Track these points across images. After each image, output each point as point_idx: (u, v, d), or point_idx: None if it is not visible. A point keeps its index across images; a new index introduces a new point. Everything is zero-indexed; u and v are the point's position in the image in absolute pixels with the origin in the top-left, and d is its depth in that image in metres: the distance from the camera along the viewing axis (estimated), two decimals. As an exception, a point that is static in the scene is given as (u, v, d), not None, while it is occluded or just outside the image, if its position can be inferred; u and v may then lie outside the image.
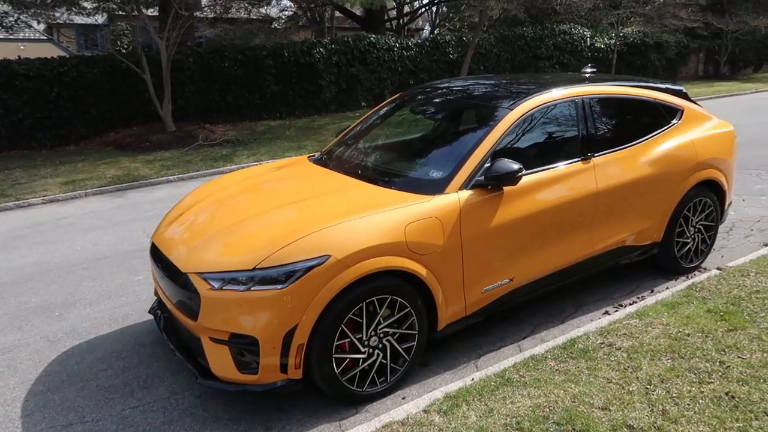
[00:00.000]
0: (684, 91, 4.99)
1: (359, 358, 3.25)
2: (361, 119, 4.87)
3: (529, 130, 3.98)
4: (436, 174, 3.68)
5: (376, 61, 16.53)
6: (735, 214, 6.37)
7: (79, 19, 16.74)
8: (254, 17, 24.38)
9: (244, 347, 3.04)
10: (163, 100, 12.56)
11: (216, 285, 3.06)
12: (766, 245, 5.38)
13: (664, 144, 4.49)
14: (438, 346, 3.88)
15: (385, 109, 4.79)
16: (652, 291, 4.60)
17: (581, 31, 21.26)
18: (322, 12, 24.24)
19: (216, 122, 14.19)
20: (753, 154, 9.32)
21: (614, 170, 4.18)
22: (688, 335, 3.46)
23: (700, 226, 4.86)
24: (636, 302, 4.36)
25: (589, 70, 5.14)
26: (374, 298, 3.20)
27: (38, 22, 13.76)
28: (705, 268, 4.96)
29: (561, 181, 3.92)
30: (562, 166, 3.96)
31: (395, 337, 3.37)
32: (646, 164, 4.34)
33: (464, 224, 3.47)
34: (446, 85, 4.74)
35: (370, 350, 3.29)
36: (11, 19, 13.25)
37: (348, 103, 16.40)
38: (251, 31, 23.51)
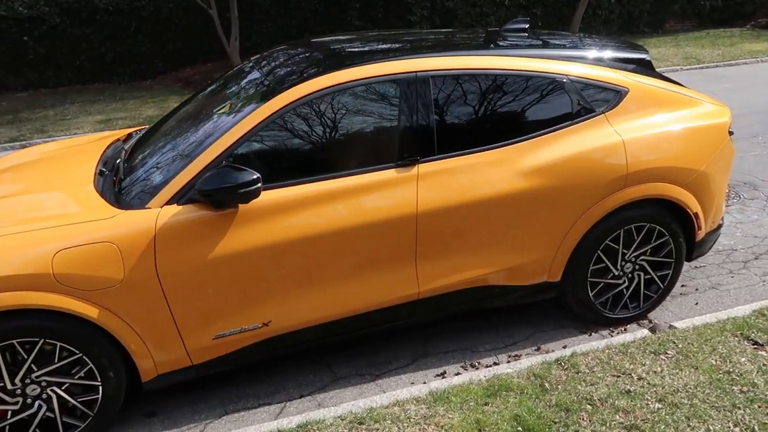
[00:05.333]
0: (645, 59, 3.34)
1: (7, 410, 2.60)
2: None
3: (313, 122, 2.82)
4: (157, 179, 2.76)
5: (477, -8, 14.66)
6: (790, 232, 4.46)
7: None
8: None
9: None
10: (230, 37, 12.27)
11: None
12: (785, 293, 3.64)
13: (565, 144, 3.02)
14: (195, 388, 3.07)
15: (221, 79, 3.79)
16: (538, 348, 3.27)
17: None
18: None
19: (292, 60, 13.65)
20: None
21: (458, 182, 2.89)
22: (434, 462, 2.27)
23: (644, 263, 3.34)
24: (497, 365, 3.12)
25: (516, 26, 3.64)
26: (14, 341, 2.49)
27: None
28: (650, 321, 3.46)
29: (351, 195, 2.76)
30: (356, 175, 2.79)
31: (64, 388, 2.64)
32: (522, 174, 2.95)
33: (163, 252, 2.56)
34: (284, 49, 3.64)
35: (29, 401, 2.61)
36: None
37: (443, 41, 14.80)
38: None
